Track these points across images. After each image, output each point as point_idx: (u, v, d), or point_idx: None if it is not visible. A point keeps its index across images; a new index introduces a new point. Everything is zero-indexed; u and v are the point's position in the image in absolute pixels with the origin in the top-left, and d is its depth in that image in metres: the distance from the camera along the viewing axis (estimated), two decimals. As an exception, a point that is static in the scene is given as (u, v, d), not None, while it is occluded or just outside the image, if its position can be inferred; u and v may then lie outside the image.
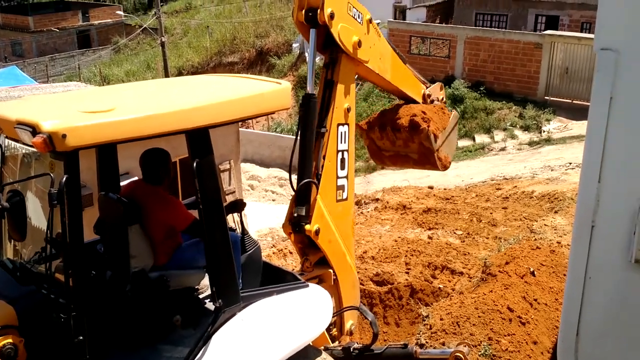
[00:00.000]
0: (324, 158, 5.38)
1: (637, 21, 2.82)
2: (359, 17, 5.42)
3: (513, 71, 22.14)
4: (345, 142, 5.52)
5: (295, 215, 5.33)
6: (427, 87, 6.75)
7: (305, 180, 5.31)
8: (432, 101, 6.74)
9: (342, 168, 5.53)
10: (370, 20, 5.55)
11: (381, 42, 5.82)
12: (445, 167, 6.70)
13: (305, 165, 5.33)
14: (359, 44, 5.39)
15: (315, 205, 5.29)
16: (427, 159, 6.48)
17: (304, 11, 5.18)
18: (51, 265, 3.75)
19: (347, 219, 5.69)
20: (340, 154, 5.50)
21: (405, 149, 6.53)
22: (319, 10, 5.08)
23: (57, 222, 3.42)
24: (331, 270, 5.53)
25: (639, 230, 2.93)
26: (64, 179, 3.34)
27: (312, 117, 5.31)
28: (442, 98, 6.94)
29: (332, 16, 5.13)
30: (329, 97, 5.42)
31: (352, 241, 5.84)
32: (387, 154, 6.76)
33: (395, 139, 6.46)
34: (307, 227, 5.25)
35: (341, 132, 5.48)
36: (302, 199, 5.33)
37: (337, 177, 5.51)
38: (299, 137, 5.34)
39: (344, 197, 5.59)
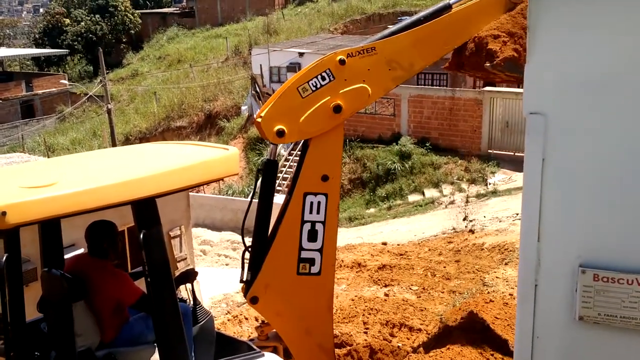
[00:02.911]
0: (279, 227, 5.12)
1: (562, 85, 2.98)
2: (326, 78, 4.90)
3: (456, 127, 22.84)
4: (318, 213, 5.06)
5: (244, 279, 5.20)
6: None
7: (248, 246, 5.16)
8: None
9: (312, 240, 5.09)
10: (342, 62, 4.92)
11: (382, 50, 4.98)
12: None
13: (258, 232, 5.20)
14: (337, 108, 4.90)
15: (258, 273, 5.06)
16: None
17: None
18: (-9, 348, 3.58)
19: (316, 296, 5.20)
20: (308, 224, 5.07)
21: (502, 75, 5.49)
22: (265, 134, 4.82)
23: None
24: (280, 345, 5.25)
25: (580, 288, 3.00)
26: (4, 258, 3.23)
27: (270, 183, 5.14)
28: None
29: (281, 134, 4.85)
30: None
31: (323, 320, 5.33)
32: (494, 77, 5.88)
33: (481, 72, 5.47)
34: (248, 293, 5.07)
35: (311, 202, 5.04)
36: (252, 264, 5.18)
37: (302, 249, 5.10)
38: (257, 202, 5.16)
39: (313, 271, 5.13)
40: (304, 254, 5.12)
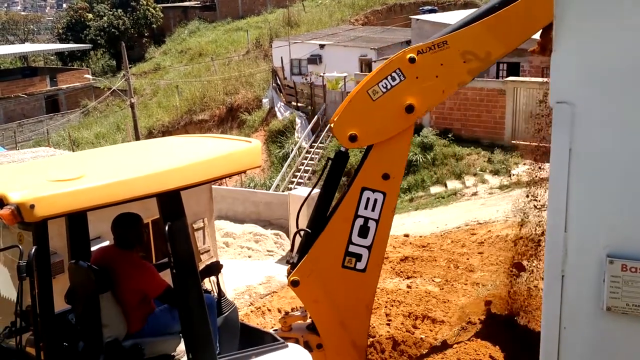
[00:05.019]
0: (332, 217, 5.11)
1: (590, 74, 2.93)
2: (396, 78, 4.83)
3: (479, 117, 22.62)
4: (373, 210, 5.02)
5: (289, 260, 5.23)
6: None
7: (300, 230, 5.17)
8: None
9: (362, 236, 5.06)
10: (412, 60, 4.79)
11: (455, 43, 4.79)
12: None
13: (315, 218, 5.22)
14: (409, 108, 4.82)
15: (304, 258, 5.10)
16: None
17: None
18: (22, 339, 3.64)
19: (357, 291, 5.16)
20: (361, 220, 5.04)
21: None
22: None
23: (27, 293, 3.35)
24: (302, 337, 5.24)
25: (607, 278, 2.96)
26: (33, 250, 3.28)
27: (337, 173, 5.16)
28: None
29: (353, 138, 4.87)
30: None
31: (360, 318, 5.30)
32: None
33: None
34: (290, 275, 5.13)
35: (367, 198, 5.01)
36: (300, 246, 5.20)
37: (350, 243, 5.07)
38: (320, 189, 5.21)
39: (358, 267, 5.10)
40: (352, 248, 5.09)
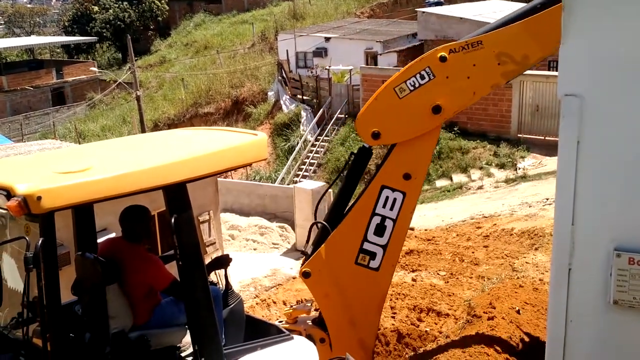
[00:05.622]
0: (346, 212, 5.08)
1: (599, 67, 2.92)
2: (425, 76, 4.68)
3: (485, 111, 22.54)
4: (391, 209, 4.95)
5: (304, 251, 5.24)
6: None
7: (317, 222, 5.16)
8: None
9: (378, 234, 4.99)
10: (443, 58, 4.61)
11: (491, 44, 4.56)
12: None
13: (332, 211, 5.20)
14: (437, 108, 4.69)
15: (317, 251, 5.08)
16: None
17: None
18: (28, 330, 3.67)
19: (369, 289, 5.12)
20: (378, 218, 4.97)
21: None
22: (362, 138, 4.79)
23: (34, 285, 3.36)
24: (305, 331, 5.24)
25: (614, 272, 2.96)
26: (40, 241, 3.29)
27: (359, 168, 5.12)
28: None
29: (376, 135, 4.78)
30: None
31: (370, 317, 5.25)
32: None
33: None
34: (303, 266, 5.11)
35: (386, 197, 4.93)
36: (316, 238, 5.18)
37: (365, 240, 5.02)
38: (340, 183, 5.19)
39: (371, 265, 5.05)
40: (367, 246, 5.04)
